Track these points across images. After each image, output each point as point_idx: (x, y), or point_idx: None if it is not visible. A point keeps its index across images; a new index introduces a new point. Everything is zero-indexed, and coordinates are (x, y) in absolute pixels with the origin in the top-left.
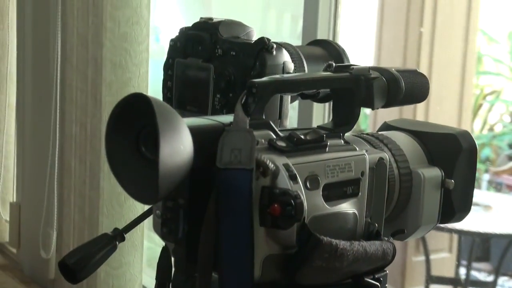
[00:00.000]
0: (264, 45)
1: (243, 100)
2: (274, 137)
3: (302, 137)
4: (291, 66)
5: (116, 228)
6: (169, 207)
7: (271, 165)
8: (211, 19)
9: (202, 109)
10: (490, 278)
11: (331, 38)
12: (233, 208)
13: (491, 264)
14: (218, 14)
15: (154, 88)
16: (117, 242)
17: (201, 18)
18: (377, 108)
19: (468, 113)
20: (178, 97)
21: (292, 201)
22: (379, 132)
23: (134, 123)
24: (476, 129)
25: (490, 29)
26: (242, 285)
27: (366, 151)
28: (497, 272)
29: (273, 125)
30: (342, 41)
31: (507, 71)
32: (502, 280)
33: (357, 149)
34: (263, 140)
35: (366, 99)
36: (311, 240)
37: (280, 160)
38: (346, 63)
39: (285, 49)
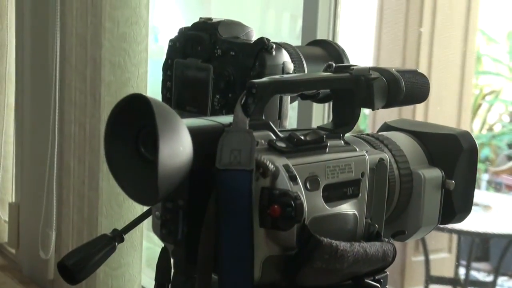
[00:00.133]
0: (263, 45)
1: (242, 101)
2: (274, 137)
3: (302, 137)
4: (290, 66)
5: (115, 229)
6: (168, 208)
7: (271, 166)
8: (210, 19)
9: (201, 109)
10: (489, 278)
11: (330, 38)
12: (233, 209)
13: (491, 264)
14: (217, 14)
15: (153, 88)
16: (116, 243)
17: (200, 18)
18: (378, 109)
19: (468, 113)
20: (177, 97)
21: (292, 202)
22: (379, 133)
23: (133, 124)
24: (475, 129)
25: (489, 29)
26: (242, 287)
27: (366, 151)
28: (497, 272)
29: (273, 125)
30: (341, 41)
31: (506, 71)
32: (501, 280)
33: (357, 149)
34: (263, 141)
35: (366, 99)
36: (311, 241)
37: (280, 161)
38: (346, 64)
39: (285, 49)
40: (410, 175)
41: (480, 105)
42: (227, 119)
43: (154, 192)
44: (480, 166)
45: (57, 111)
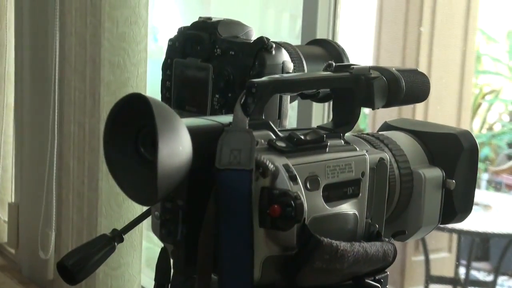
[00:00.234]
0: (263, 44)
1: (242, 100)
2: (274, 137)
3: (302, 137)
4: (290, 65)
5: (114, 229)
6: (167, 208)
7: (270, 166)
8: (210, 18)
9: (201, 109)
10: (489, 278)
11: (330, 38)
12: (233, 209)
13: (491, 263)
14: (216, 13)
15: (152, 88)
16: (115, 243)
17: (199, 17)
18: (378, 108)
19: (468, 112)
20: (176, 97)
21: (292, 202)
22: (380, 132)
23: (132, 124)
24: (475, 129)
25: (489, 28)
26: (242, 287)
27: (367, 151)
28: (497, 271)
29: (272, 125)
30: (341, 41)
31: (506, 70)
32: (501, 279)
33: (358, 149)
34: (262, 141)
35: (366, 99)
36: (312, 241)
37: (280, 161)
38: (346, 63)
39: (285, 48)
40: (410, 174)
41: (480, 105)
42: (226, 118)
43: (153, 192)
44: (480, 165)
45: (56, 111)
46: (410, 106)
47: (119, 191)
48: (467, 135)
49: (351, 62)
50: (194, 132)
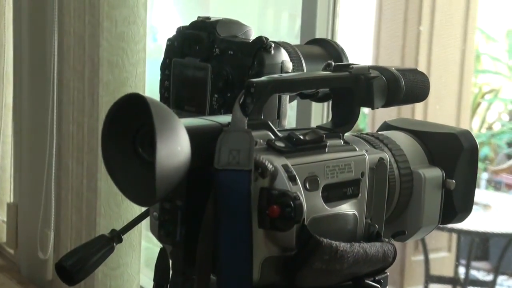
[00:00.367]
0: (262, 44)
1: (241, 100)
2: (273, 137)
3: (301, 137)
4: (289, 65)
5: (113, 229)
6: (166, 209)
7: (269, 166)
8: (208, 18)
9: (199, 109)
10: (489, 277)
11: (329, 37)
12: (232, 209)
13: (490, 263)
14: (215, 13)
15: (151, 88)
16: (114, 244)
17: (198, 17)
18: (377, 108)
19: (467, 111)
20: (175, 97)
21: (291, 202)
22: (379, 132)
23: (130, 124)
24: (475, 128)
25: (488, 27)
26: None
27: (366, 151)
28: (496, 271)
29: (271, 125)
30: (340, 40)
31: (506, 69)
32: (501, 279)
33: (357, 149)
34: (261, 141)
35: (366, 98)
36: (311, 242)
37: (279, 161)
38: (345, 62)
39: (284, 48)
40: (410, 174)
41: (479, 104)
42: (225, 118)
43: (152, 193)
44: (479, 165)
45: (55, 111)
46: (409, 106)
47: (118, 191)
48: (467, 135)
49: (351, 61)
50: (193, 132)
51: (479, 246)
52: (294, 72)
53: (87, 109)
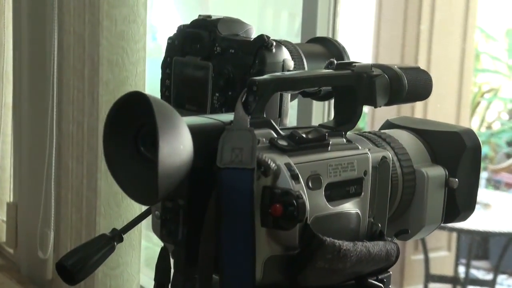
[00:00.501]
0: (263, 42)
1: (243, 98)
2: (275, 136)
3: (304, 135)
4: (290, 64)
5: (114, 228)
6: (168, 207)
7: (272, 165)
8: (209, 16)
9: (200, 107)
10: (489, 276)
11: (330, 36)
12: (234, 208)
13: (490, 262)
14: (215, 12)
15: (151, 87)
16: (115, 243)
17: (199, 15)
18: (380, 106)
19: (467, 110)
20: (176, 95)
21: (294, 201)
22: (382, 131)
23: (132, 123)
24: (474, 127)
25: (487, 26)
26: (244, 287)
27: (369, 150)
28: (496, 270)
29: (274, 123)
30: (340, 39)
31: (505, 68)
32: (501, 278)
33: (360, 148)
34: (264, 139)
35: (368, 97)
36: (314, 241)
37: (282, 160)
38: (347, 61)
39: (285, 46)
40: (413, 173)
41: (478, 103)
42: (227, 117)
43: (154, 192)
44: None
45: (55, 110)
46: (409, 105)
47: (118, 190)
48: (470, 133)
49: (352, 60)
50: (195, 131)
51: (479, 245)
52: (295, 70)
53: (87, 108)
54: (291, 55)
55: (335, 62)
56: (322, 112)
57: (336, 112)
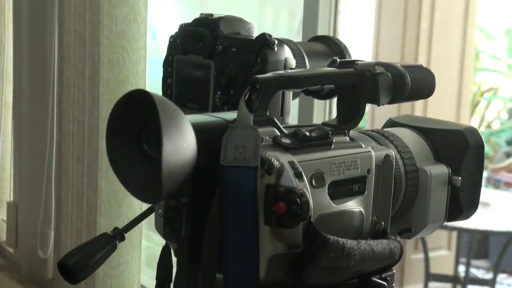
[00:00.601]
0: (265, 41)
1: (246, 97)
2: (279, 134)
3: (307, 134)
4: (292, 62)
5: (116, 227)
6: (171, 206)
7: (276, 163)
8: (211, 15)
9: (202, 106)
10: (489, 275)
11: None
12: (238, 206)
13: (490, 261)
14: (215, 11)
15: (151, 86)
16: (117, 242)
17: (201, 14)
18: (383, 104)
19: (467, 109)
20: (178, 94)
21: (297, 199)
22: (385, 129)
23: (135, 121)
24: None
25: (487, 25)
26: (247, 286)
27: (372, 148)
28: (496, 269)
29: (277, 121)
30: (341, 38)
31: (504, 68)
32: (501, 277)
33: (363, 146)
34: (267, 137)
35: (371, 95)
36: (318, 239)
37: (285, 158)
38: (350, 59)
39: (287, 45)
40: (416, 171)
41: (478, 102)
42: (231, 115)
43: (157, 190)
44: None
45: (55, 109)
46: (409, 104)
47: (119, 189)
48: (473, 131)
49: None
50: (199, 129)
51: (479, 244)
52: (297, 69)
53: (88, 108)
54: (293, 54)
55: (338, 60)
56: (323, 111)
57: (339, 110)
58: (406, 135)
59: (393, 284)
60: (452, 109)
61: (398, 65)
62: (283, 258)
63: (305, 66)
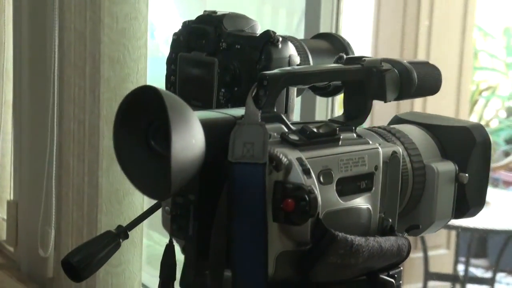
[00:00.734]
0: (269, 38)
1: (253, 93)
2: (287, 130)
3: (315, 130)
4: (297, 59)
5: (120, 225)
6: (179, 203)
7: (284, 159)
8: (215, 12)
9: (206, 104)
10: (488, 274)
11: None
12: (246, 203)
13: (489, 260)
14: (213, 9)
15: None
16: (120, 240)
17: (204, 11)
18: (390, 101)
19: (466, 108)
20: (181, 92)
21: (306, 196)
22: (391, 126)
23: (143, 117)
24: None
25: (485, 24)
26: (256, 283)
27: (379, 144)
28: (495, 268)
29: (285, 118)
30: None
31: (503, 66)
32: (500, 276)
33: (370, 142)
34: (275, 134)
35: (378, 91)
36: (326, 236)
37: (293, 154)
38: (357, 55)
39: (291, 42)
40: (423, 168)
41: (476, 101)
42: (238, 111)
43: (166, 187)
44: None
45: (55, 107)
46: (408, 102)
47: (120, 188)
48: (480, 128)
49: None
50: (207, 125)
51: (478, 243)
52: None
53: (88, 106)
54: (297, 51)
55: (345, 56)
56: (326, 108)
57: (345, 107)
58: (413, 132)
59: (401, 282)
60: (451, 107)
61: (405, 61)
62: (291, 255)
63: (309, 63)
